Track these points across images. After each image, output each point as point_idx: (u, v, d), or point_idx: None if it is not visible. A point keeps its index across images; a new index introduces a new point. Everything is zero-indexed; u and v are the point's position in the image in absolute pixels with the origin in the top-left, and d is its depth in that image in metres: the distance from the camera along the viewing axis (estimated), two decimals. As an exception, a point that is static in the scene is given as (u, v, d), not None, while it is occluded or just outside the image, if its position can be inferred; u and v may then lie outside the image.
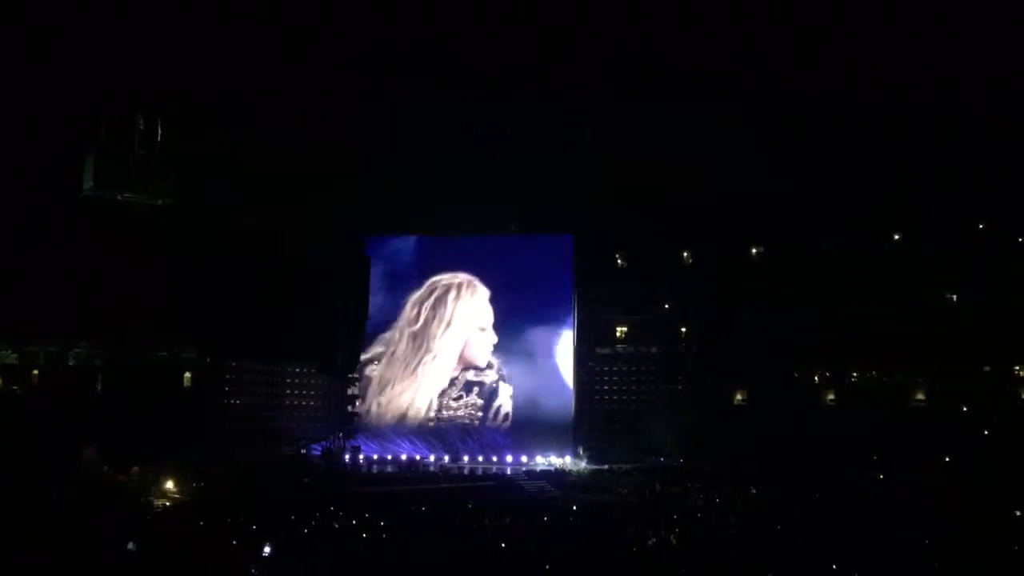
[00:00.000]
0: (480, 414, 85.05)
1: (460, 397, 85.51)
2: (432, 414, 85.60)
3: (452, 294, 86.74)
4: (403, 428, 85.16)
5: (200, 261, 76.50)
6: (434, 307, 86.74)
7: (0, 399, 70.46)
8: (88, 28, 76.91)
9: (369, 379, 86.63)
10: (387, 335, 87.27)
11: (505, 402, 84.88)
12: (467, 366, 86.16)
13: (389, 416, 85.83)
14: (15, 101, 74.02)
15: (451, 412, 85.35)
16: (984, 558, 35.04)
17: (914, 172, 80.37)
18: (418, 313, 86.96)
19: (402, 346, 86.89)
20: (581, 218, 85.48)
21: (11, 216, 71.87)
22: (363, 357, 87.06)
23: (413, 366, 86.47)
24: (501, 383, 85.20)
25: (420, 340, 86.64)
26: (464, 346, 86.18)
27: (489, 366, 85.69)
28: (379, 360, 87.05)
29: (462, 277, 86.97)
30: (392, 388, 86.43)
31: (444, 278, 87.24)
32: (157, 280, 71.89)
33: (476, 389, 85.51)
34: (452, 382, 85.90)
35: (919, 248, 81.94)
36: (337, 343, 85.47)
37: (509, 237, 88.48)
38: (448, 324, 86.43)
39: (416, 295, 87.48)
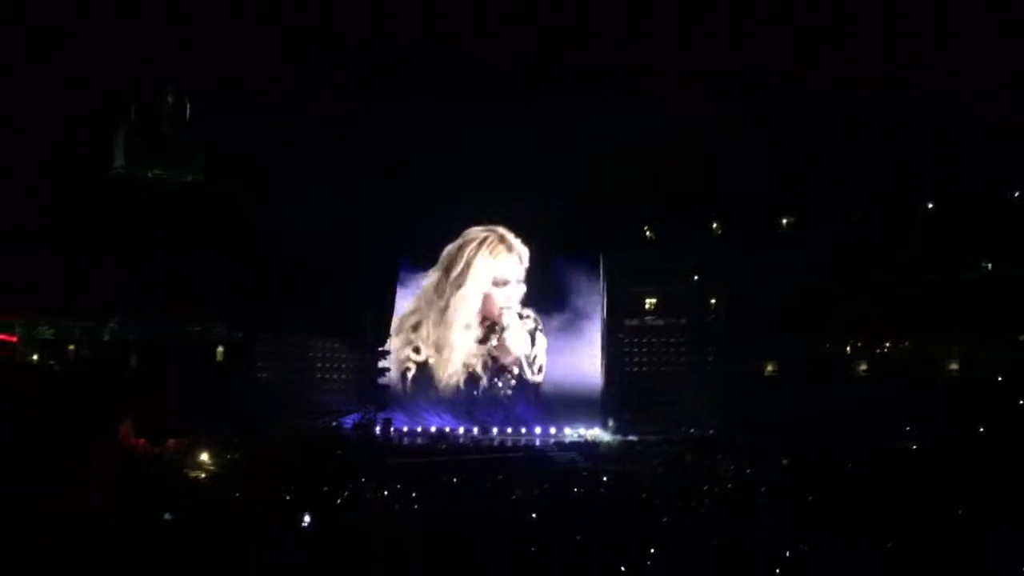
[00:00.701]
0: (519, 358, 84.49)
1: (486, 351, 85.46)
2: (460, 375, 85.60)
3: (471, 248, 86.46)
4: (432, 399, 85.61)
5: (231, 237, 77.09)
6: (451, 265, 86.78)
7: (38, 374, 71.65)
8: (119, 6, 77.32)
9: (400, 347, 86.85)
10: (414, 299, 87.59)
11: (540, 353, 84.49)
12: (486, 320, 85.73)
13: (421, 382, 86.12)
14: (48, 80, 74.77)
15: (479, 364, 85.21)
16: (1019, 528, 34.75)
17: (947, 140, 79.09)
18: (446, 268, 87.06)
19: (429, 307, 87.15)
20: (608, 190, 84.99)
21: (45, 194, 72.76)
22: (396, 320, 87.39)
23: (439, 329, 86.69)
24: (539, 334, 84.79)
25: (444, 301, 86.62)
26: (483, 302, 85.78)
27: (524, 317, 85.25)
28: (411, 325, 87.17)
29: (497, 232, 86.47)
30: (422, 352, 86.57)
31: (477, 230, 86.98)
32: (189, 255, 72.61)
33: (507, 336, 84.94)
34: (478, 340, 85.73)
35: (952, 217, 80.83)
36: (366, 316, 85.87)
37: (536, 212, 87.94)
38: (461, 284, 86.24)
39: (449, 247, 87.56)
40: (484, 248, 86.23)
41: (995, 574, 28.64)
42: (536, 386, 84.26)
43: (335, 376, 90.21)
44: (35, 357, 73.52)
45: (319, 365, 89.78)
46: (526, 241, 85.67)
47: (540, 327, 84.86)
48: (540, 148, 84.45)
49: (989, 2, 76.90)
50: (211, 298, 76.10)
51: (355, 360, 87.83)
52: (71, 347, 75.56)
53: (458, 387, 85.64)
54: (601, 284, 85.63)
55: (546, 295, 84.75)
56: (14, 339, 74.08)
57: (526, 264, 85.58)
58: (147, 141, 77.48)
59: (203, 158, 78.73)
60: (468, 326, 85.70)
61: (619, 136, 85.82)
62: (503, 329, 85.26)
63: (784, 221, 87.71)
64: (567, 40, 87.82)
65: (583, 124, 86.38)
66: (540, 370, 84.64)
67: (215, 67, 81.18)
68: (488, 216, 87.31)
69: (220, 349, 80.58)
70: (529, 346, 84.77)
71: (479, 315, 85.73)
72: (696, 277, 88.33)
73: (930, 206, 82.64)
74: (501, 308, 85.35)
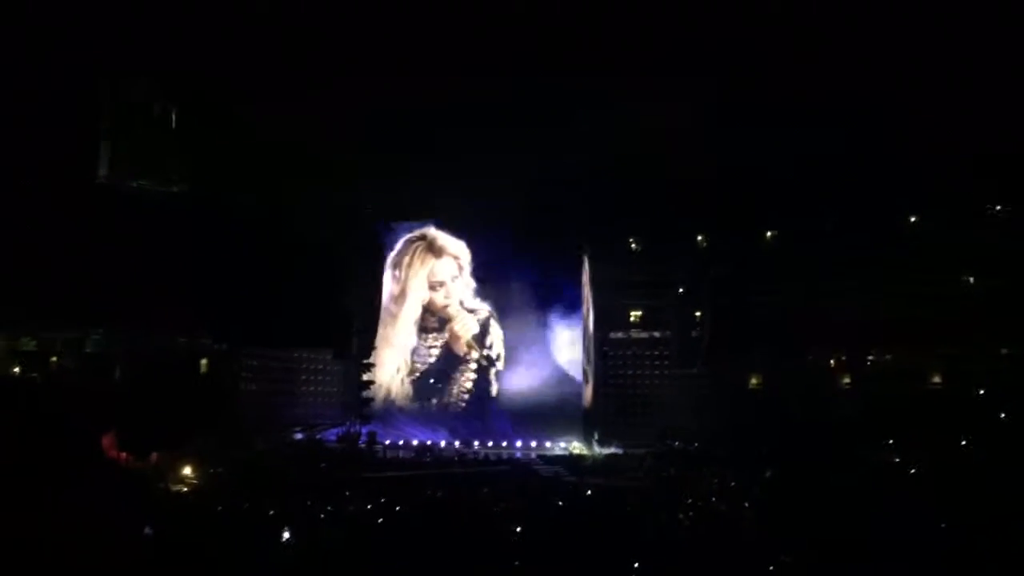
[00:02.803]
0: (469, 340, 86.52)
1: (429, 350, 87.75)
2: (403, 382, 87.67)
3: (406, 260, 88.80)
4: (409, 413, 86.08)
5: (216, 248, 76.72)
6: (394, 273, 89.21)
7: (19, 386, 71.05)
8: (102, 12, 76.92)
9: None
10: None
11: (497, 343, 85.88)
12: (434, 318, 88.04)
13: (381, 396, 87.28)
14: (30, 88, 74.34)
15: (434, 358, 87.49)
16: (999, 539, 34.96)
17: (932, 153, 79.64)
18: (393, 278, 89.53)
19: (383, 323, 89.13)
20: (593, 202, 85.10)
21: (27, 203, 72.28)
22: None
23: (392, 343, 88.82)
24: (492, 323, 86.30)
25: (391, 317, 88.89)
26: (426, 307, 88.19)
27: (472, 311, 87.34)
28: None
29: (426, 239, 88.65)
30: (379, 366, 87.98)
31: (410, 236, 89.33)
32: (173, 267, 72.22)
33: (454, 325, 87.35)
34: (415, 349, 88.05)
35: (936, 230, 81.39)
36: (352, 329, 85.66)
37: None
38: (403, 293, 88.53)
39: (391, 256, 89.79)
40: (415, 261, 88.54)
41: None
42: (499, 356, 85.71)
43: (320, 388, 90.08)
44: (16, 369, 72.88)
45: (304, 377, 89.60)
46: (469, 238, 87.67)
47: (494, 316, 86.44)
48: (524, 158, 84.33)
49: (971, 12, 77.20)
50: (196, 309, 75.66)
51: (341, 372, 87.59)
52: (53, 359, 74.95)
53: (423, 393, 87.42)
54: (583, 296, 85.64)
55: (526, 308, 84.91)
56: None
57: (467, 258, 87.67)
58: (132, 150, 77.01)
59: (189, 168, 78.40)
60: (417, 330, 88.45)
61: (604, 151, 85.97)
62: (449, 320, 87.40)
63: (768, 234, 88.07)
64: (546, 39, 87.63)
65: (567, 133, 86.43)
66: (499, 359, 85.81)
67: (204, 77, 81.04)
68: (457, 226, 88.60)
69: (204, 361, 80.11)
70: (477, 328, 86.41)
71: (424, 318, 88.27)
72: (681, 290, 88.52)
73: (913, 219, 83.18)
74: (443, 305, 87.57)
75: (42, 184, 73.56)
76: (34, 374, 73.07)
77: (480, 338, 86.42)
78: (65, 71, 76.39)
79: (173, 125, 78.53)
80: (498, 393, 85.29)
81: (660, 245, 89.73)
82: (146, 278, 70.92)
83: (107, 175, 75.48)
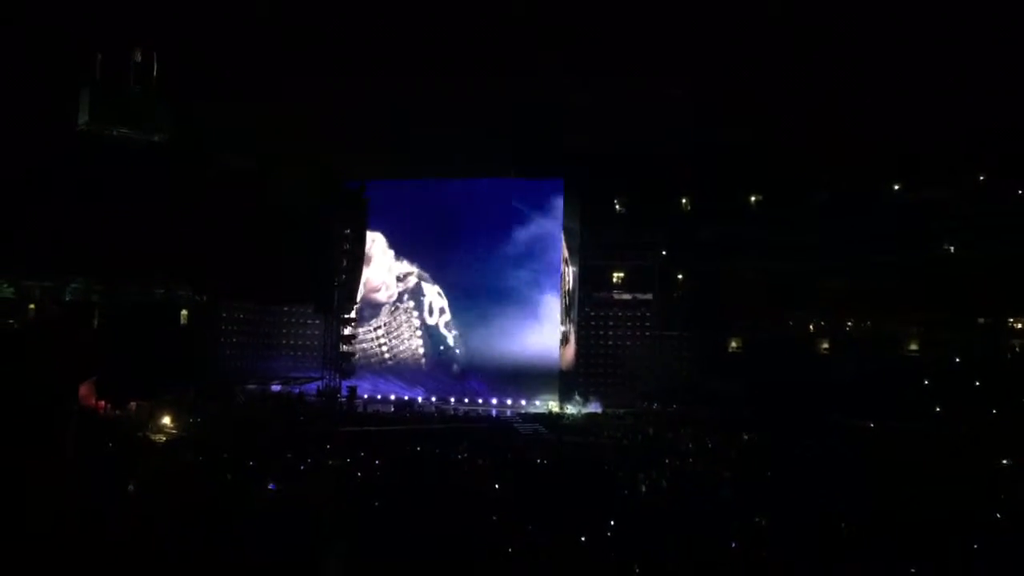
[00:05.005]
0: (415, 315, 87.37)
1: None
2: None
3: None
4: (385, 368, 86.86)
5: (198, 199, 76.08)
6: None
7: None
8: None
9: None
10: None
11: (435, 299, 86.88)
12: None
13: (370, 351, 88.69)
14: (9, 34, 73.07)
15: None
16: (971, 506, 35.59)
17: (913, 122, 79.75)
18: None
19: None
20: (580, 164, 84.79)
21: (7, 150, 71.30)
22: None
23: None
24: (423, 283, 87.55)
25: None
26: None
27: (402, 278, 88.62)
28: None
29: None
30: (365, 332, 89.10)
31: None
32: (155, 217, 71.59)
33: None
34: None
35: (917, 198, 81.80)
36: (334, 283, 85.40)
37: (499, 180, 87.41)
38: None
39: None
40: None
41: (949, 551, 29.28)
42: (442, 308, 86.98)
43: (301, 342, 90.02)
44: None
45: (284, 331, 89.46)
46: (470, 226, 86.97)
47: (424, 277, 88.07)
48: (511, 121, 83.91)
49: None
50: (177, 261, 75.17)
51: (321, 327, 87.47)
52: (31, 306, 74.34)
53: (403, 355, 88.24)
54: (563, 257, 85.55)
55: (503, 269, 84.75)
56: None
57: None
58: (113, 98, 75.75)
59: (171, 117, 77.32)
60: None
61: (590, 113, 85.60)
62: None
63: (752, 199, 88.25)
64: (531, 14, 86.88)
65: (556, 99, 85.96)
66: (443, 311, 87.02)
67: (185, 23, 79.87)
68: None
69: (184, 312, 79.70)
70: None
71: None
72: (664, 253, 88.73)
73: (896, 188, 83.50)
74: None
75: (22, 131, 72.61)
76: (11, 321, 72.49)
77: (418, 302, 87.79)
78: (45, 18, 75.16)
79: (155, 74, 77.16)
80: (458, 346, 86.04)
81: (645, 207, 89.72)
82: (127, 228, 70.28)
83: (87, 123, 74.25)
